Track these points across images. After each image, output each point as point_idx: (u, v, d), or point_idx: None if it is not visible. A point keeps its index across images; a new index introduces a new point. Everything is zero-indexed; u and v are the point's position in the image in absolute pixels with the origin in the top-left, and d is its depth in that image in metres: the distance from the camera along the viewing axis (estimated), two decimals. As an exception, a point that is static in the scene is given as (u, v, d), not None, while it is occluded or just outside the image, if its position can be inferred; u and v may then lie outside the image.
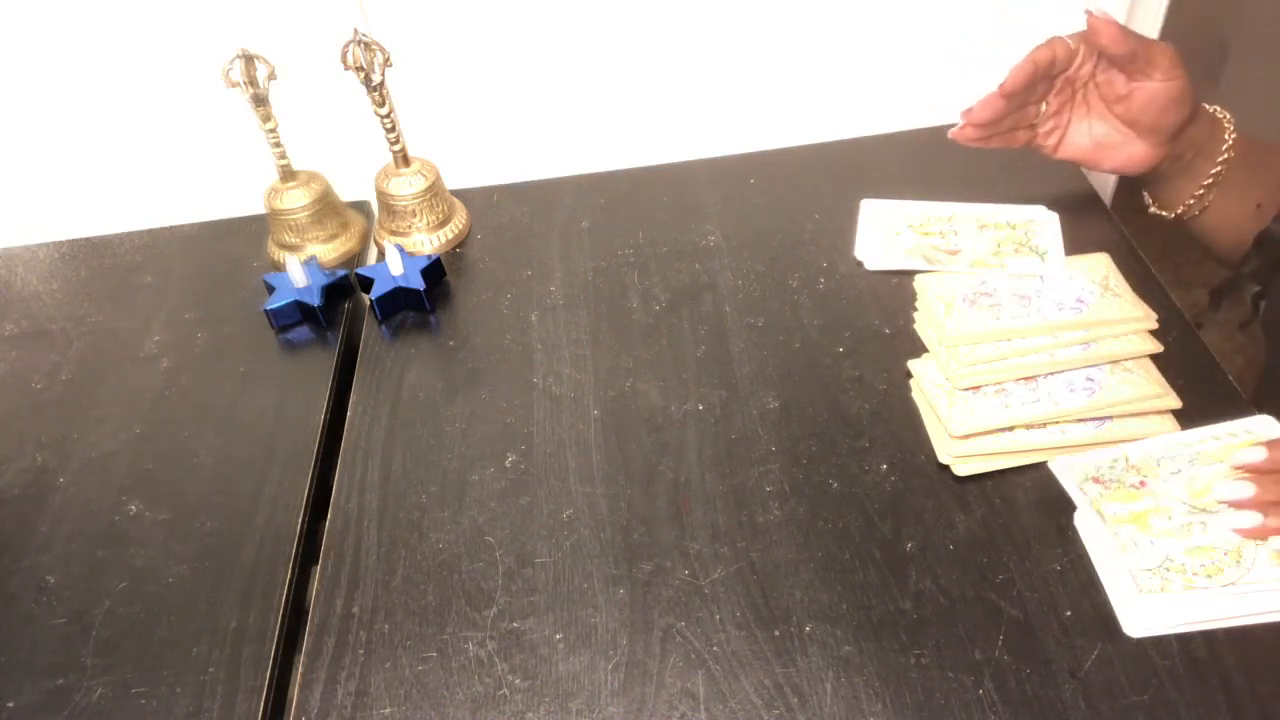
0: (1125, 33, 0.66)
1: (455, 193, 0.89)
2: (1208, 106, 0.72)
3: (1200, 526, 0.54)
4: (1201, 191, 0.72)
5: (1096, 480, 0.58)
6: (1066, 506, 0.59)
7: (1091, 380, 0.62)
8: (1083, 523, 0.58)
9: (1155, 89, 0.68)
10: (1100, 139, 0.73)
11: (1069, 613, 0.54)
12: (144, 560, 0.62)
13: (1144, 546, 0.54)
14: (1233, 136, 0.71)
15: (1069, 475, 0.59)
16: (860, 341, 0.71)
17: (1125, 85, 0.69)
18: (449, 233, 0.85)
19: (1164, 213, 0.75)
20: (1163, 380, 0.62)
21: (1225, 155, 0.71)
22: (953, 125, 0.72)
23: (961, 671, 0.52)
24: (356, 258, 0.86)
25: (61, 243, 0.91)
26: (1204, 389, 0.64)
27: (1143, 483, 0.58)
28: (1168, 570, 0.53)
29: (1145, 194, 0.77)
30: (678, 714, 0.52)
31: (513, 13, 0.87)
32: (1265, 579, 0.52)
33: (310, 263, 0.80)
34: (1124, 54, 0.67)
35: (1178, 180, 0.73)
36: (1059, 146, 0.74)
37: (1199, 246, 0.78)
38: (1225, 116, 0.72)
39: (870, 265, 0.77)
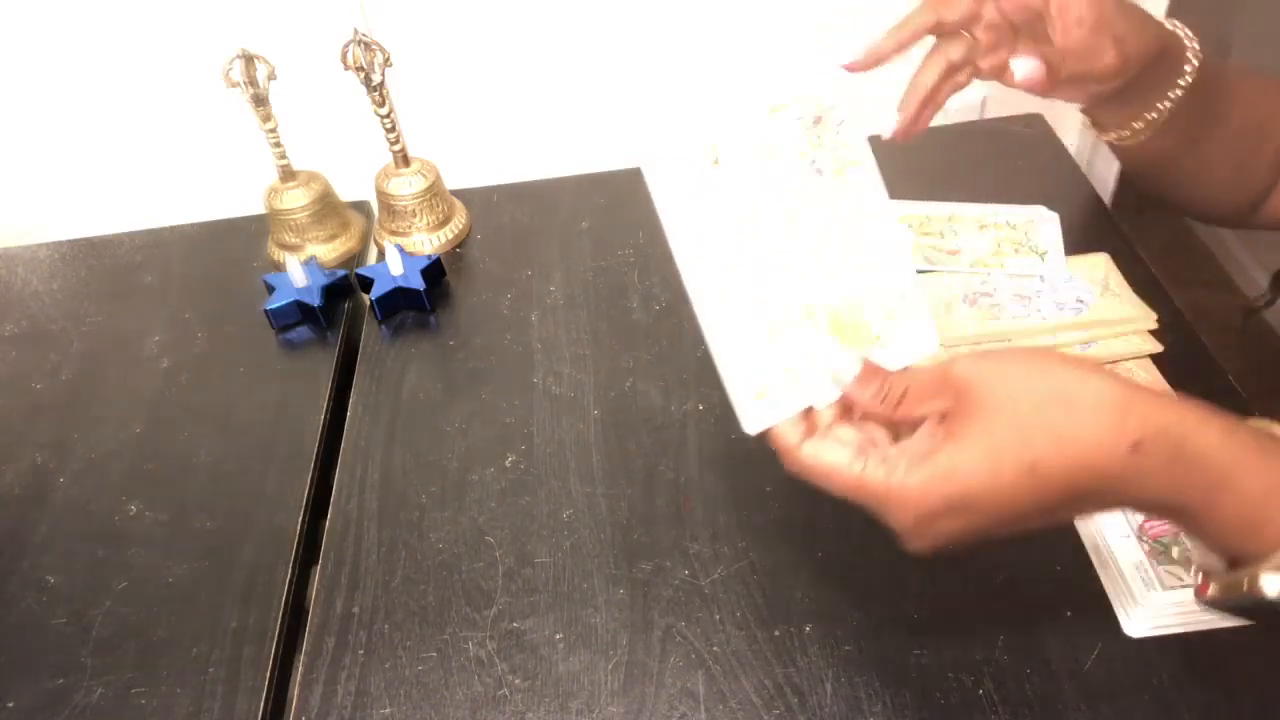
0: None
1: (455, 193, 0.89)
2: (1168, 25, 0.58)
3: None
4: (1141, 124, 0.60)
5: None
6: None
7: (1091, 380, 0.62)
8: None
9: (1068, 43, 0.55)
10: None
11: (1069, 613, 0.54)
12: (144, 560, 0.62)
13: None
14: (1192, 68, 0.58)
15: None
16: (860, 341, 0.71)
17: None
18: (449, 233, 0.85)
19: (1106, 136, 0.63)
20: (1162, 380, 0.62)
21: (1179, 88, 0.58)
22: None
23: (961, 671, 0.52)
24: (356, 258, 0.86)
25: (61, 243, 0.91)
26: (1204, 389, 0.64)
27: None
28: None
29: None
30: (678, 714, 0.52)
31: (512, 13, 0.87)
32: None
33: (310, 263, 0.80)
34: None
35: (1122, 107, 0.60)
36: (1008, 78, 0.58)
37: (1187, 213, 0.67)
38: (1186, 34, 0.58)
39: (870, 265, 0.77)
